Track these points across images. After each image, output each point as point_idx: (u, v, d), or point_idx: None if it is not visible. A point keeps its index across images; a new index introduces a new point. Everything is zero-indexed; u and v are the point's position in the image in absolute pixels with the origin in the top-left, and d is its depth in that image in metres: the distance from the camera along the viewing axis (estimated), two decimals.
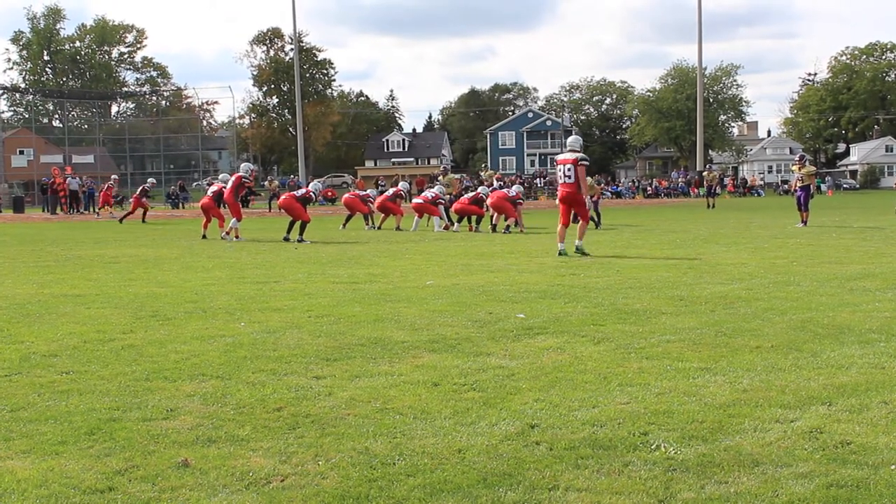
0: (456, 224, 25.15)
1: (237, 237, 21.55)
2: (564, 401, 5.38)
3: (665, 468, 4.14)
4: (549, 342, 7.25)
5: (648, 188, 71.09)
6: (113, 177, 48.62)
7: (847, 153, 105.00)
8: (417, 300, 9.81)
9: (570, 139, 16.17)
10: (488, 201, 24.13)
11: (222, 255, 16.84)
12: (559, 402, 5.34)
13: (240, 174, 22.35)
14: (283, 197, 22.52)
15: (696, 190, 64.06)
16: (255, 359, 6.73)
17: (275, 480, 4.07)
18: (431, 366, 6.42)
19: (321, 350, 7.03)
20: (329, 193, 57.40)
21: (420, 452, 4.42)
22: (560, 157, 15.87)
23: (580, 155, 15.51)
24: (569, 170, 15.41)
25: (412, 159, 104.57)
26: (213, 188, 23.75)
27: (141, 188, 35.88)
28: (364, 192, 28.57)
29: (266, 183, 57.49)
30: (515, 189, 24.78)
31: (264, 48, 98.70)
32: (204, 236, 22.47)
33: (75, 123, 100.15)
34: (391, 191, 27.47)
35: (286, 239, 20.87)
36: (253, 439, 4.69)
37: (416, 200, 26.20)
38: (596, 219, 27.21)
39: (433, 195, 25.68)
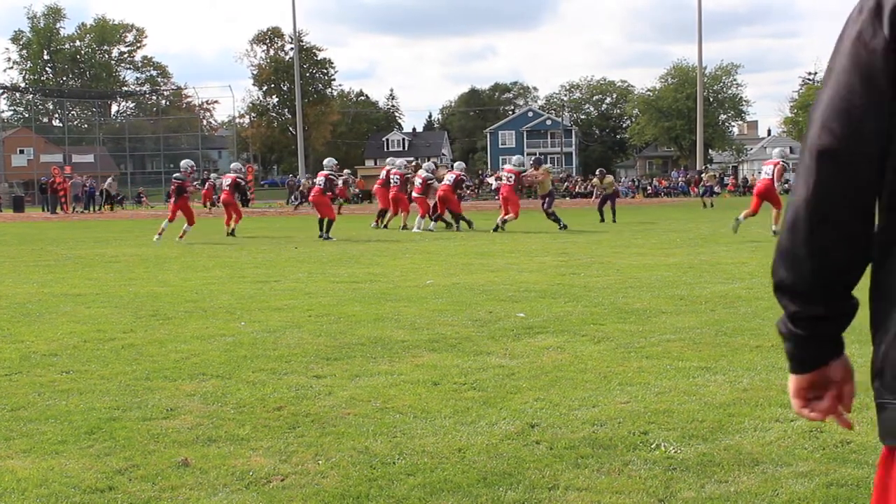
0: (432, 223, 24.48)
1: (180, 237, 20.97)
2: (564, 400, 5.38)
3: (665, 467, 4.14)
4: (549, 341, 7.26)
5: (648, 187, 71.04)
6: (212, 175, 48.94)
7: None
8: (417, 299, 9.81)
9: (775, 150, 21.27)
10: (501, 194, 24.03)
11: (222, 255, 16.85)
12: (559, 402, 5.34)
13: (175, 177, 21.64)
14: (312, 193, 22.59)
15: (695, 189, 64.05)
16: (255, 358, 6.73)
17: (275, 480, 4.07)
18: (431, 365, 6.42)
19: (321, 349, 7.03)
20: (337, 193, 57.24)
21: (420, 452, 4.43)
22: (766, 161, 20.99)
23: (783, 160, 19.95)
24: (771, 169, 19.66)
25: (412, 159, 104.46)
26: (227, 181, 24.00)
27: (342, 179, 36.37)
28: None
29: (304, 181, 57.15)
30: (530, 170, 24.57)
31: (264, 47, 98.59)
32: (231, 233, 22.81)
33: (75, 123, 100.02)
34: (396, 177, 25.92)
35: (326, 237, 21.17)
36: (253, 438, 4.69)
37: (413, 195, 25.22)
38: (601, 216, 27.68)
39: (421, 179, 24.73)
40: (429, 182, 24.79)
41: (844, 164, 1.52)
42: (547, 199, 24.32)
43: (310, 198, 22.96)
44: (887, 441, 1.57)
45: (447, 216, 24.75)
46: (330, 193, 22.58)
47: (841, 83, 1.54)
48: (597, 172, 32.28)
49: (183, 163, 22.90)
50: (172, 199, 21.41)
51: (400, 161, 27.45)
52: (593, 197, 32.88)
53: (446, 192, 24.06)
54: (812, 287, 1.59)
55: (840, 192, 1.53)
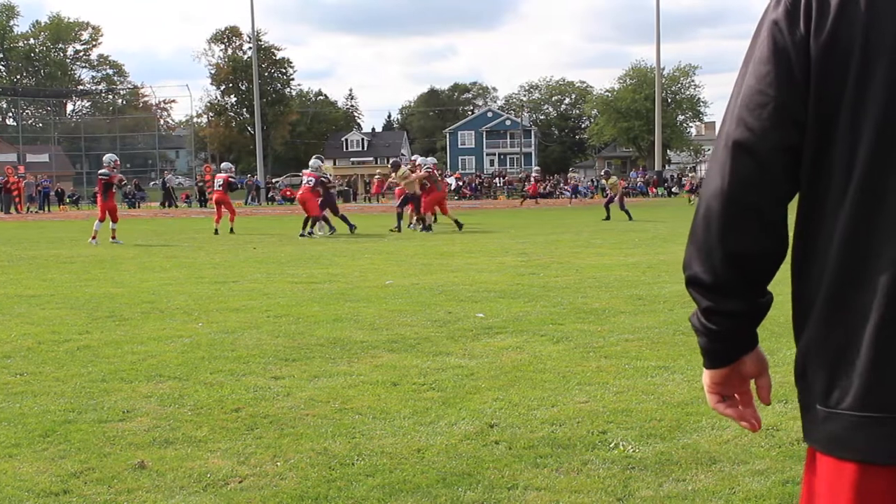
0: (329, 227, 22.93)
1: (94, 239, 20.16)
2: (524, 400, 5.39)
3: (624, 466, 4.16)
4: (508, 341, 7.27)
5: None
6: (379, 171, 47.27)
7: None
8: (377, 300, 9.79)
9: None
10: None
11: (179, 255, 16.73)
12: (518, 402, 5.35)
13: (101, 174, 20.80)
14: (300, 192, 22.46)
15: (654, 189, 64.51)
16: (212, 359, 6.68)
17: (233, 481, 4.04)
18: (391, 365, 6.41)
19: (280, 350, 6.99)
20: (287, 193, 56.97)
21: (379, 452, 4.42)
22: None
23: None
24: None
25: (371, 159, 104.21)
26: (220, 181, 24.37)
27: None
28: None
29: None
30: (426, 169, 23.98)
31: (222, 47, 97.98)
32: (216, 231, 23.01)
33: (30, 122, 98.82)
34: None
35: (303, 235, 21.49)
36: (211, 440, 4.66)
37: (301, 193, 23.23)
38: (607, 213, 28.53)
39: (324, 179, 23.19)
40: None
41: (760, 156, 1.50)
42: (412, 200, 23.57)
43: (298, 196, 22.91)
44: (811, 443, 1.55)
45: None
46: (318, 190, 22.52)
47: (758, 74, 1.51)
48: (602, 173, 33.35)
49: (106, 158, 21.59)
50: (100, 198, 20.71)
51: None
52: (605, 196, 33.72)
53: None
54: (726, 281, 1.57)
55: (756, 184, 1.51)
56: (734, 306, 1.60)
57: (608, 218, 28.17)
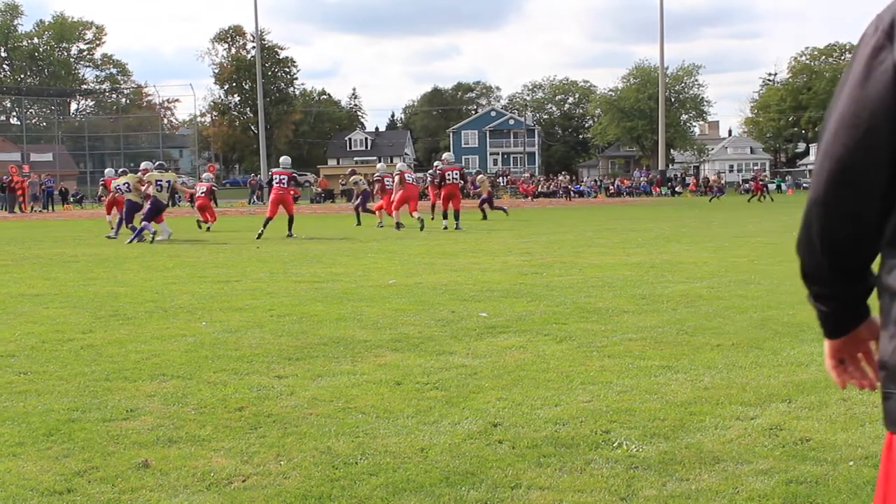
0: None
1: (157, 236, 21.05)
2: (527, 399, 5.38)
3: (627, 466, 4.15)
4: (511, 341, 7.26)
5: (611, 187, 71.40)
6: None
7: (807, 153, 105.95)
8: (380, 299, 9.79)
9: None
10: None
11: (182, 255, 16.73)
12: (522, 401, 5.34)
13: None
14: (274, 192, 22.70)
15: (658, 189, 64.48)
16: (216, 358, 6.68)
17: (236, 481, 4.04)
18: (394, 365, 6.41)
19: (283, 349, 6.99)
20: (292, 192, 56.88)
21: (382, 452, 4.41)
22: None
23: None
24: None
25: (375, 158, 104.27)
26: (203, 188, 26.00)
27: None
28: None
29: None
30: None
31: (226, 46, 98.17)
32: (207, 229, 24.47)
33: (34, 121, 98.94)
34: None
35: (290, 235, 21.82)
36: (214, 439, 4.66)
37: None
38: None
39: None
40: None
41: (853, 172, 1.63)
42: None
43: (272, 196, 22.82)
44: (891, 428, 1.67)
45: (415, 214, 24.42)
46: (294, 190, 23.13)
47: (853, 97, 1.63)
48: (474, 173, 34.24)
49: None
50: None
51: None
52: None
53: (453, 189, 24.25)
54: (829, 274, 1.75)
55: (847, 196, 1.65)
56: (839, 291, 1.78)
57: (484, 218, 28.85)
